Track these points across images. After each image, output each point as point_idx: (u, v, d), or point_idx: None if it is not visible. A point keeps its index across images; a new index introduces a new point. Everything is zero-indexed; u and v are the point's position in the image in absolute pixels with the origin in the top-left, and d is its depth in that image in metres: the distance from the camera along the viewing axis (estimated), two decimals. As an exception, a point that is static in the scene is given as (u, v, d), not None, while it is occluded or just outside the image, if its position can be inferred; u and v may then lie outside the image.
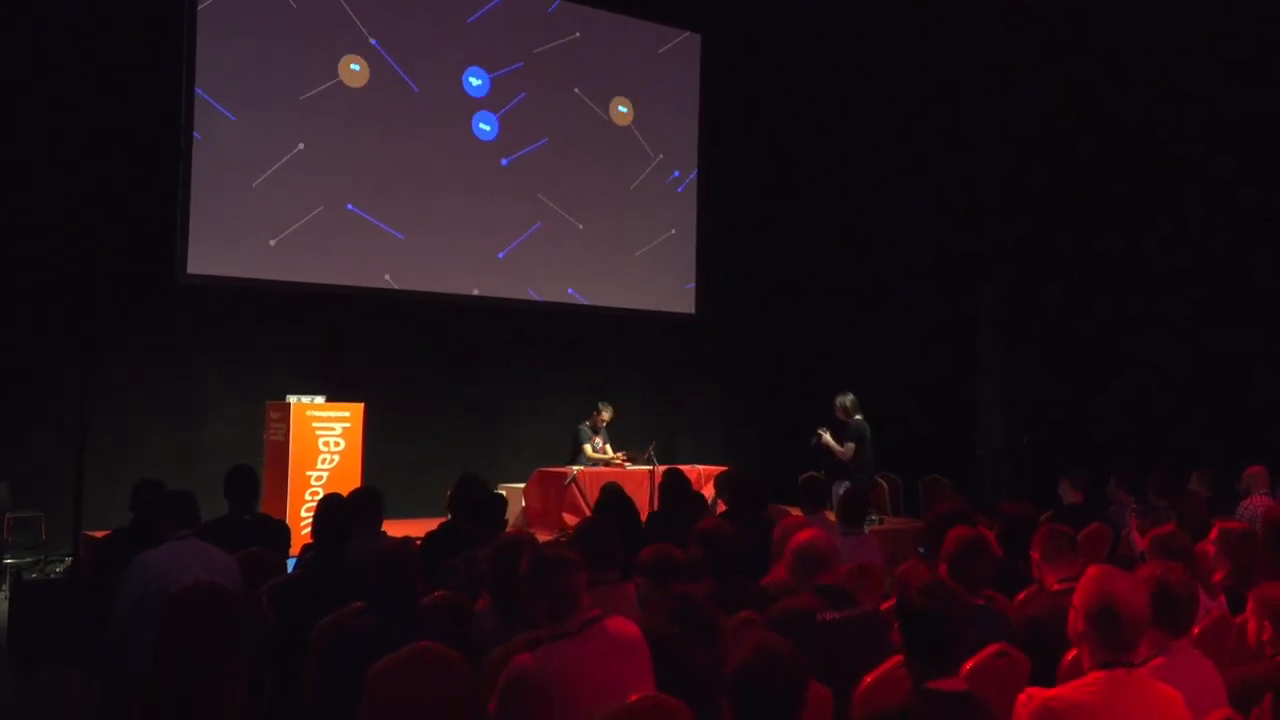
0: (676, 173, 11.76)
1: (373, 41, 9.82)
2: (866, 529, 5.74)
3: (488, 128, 10.49)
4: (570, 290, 10.97)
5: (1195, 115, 10.61)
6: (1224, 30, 9.82)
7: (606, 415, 9.81)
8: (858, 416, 8.81)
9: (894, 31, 11.31)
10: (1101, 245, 11.31)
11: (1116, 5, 10.20)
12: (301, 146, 9.44)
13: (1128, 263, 11.14)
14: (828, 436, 8.72)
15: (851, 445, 8.66)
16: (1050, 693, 2.75)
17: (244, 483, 5.26)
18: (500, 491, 6.58)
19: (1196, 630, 3.36)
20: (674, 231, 11.72)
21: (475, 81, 10.43)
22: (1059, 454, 9.77)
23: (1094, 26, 10.54)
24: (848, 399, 8.90)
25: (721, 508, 6.67)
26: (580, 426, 9.74)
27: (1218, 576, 4.16)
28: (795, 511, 6.25)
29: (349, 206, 9.68)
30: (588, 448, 9.63)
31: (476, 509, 5.14)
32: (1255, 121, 10.25)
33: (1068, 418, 11.21)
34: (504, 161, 10.57)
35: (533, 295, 10.69)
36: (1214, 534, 4.24)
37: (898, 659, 3.04)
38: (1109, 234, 11.26)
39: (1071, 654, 3.17)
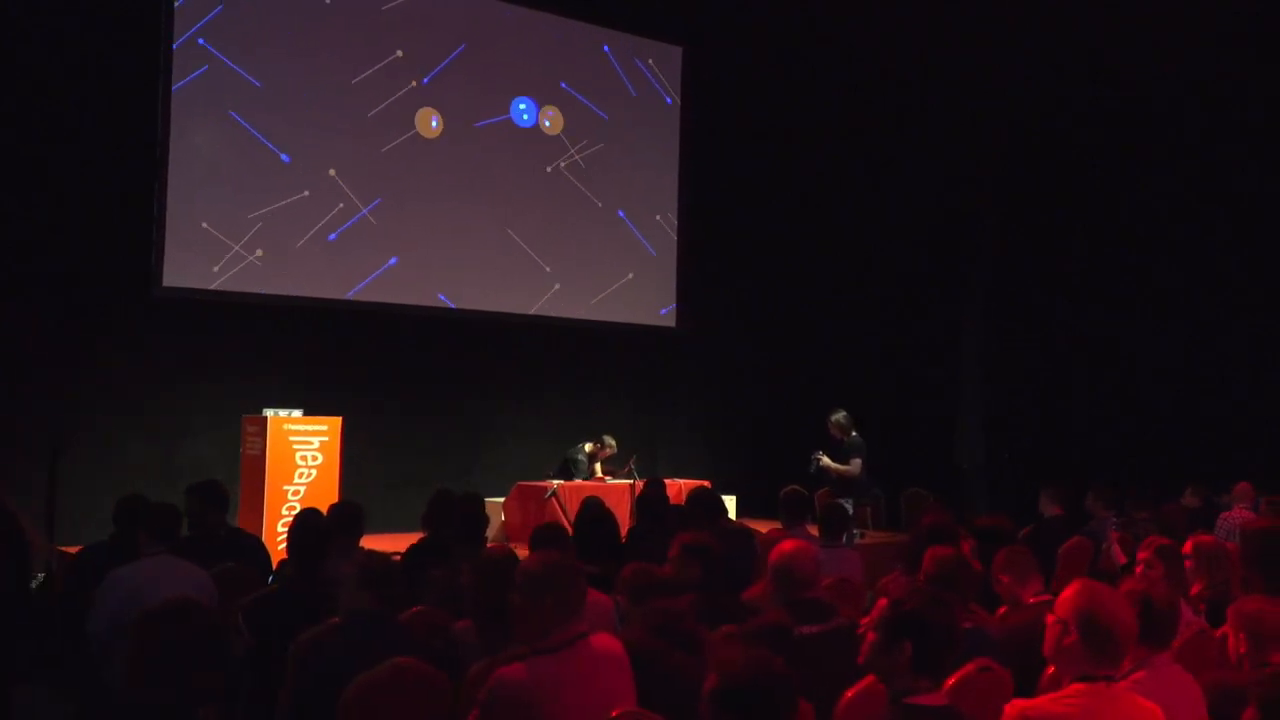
0: (660, 186, 11.76)
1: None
2: (854, 543, 5.72)
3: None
4: (550, 303, 10.92)
5: (1193, 126, 10.63)
6: (1214, 21, 9.82)
7: (612, 446, 9.73)
8: (854, 433, 8.73)
9: (876, 38, 11.32)
10: (1084, 255, 11.40)
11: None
12: (284, 159, 9.37)
13: (1111, 272, 11.21)
14: (826, 459, 8.64)
15: (859, 461, 8.54)
16: (1027, 702, 2.74)
17: (209, 495, 5.16)
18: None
19: (1177, 644, 3.37)
20: (655, 243, 11.71)
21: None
22: (1041, 466, 9.80)
23: (1079, 22, 10.52)
24: (841, 416, 8.73)
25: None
26: (581, 454, 9.64)
27: (1195, 589, 4.19)
28: (763, 526, 6.24)
29: (328, 218, 9.62)
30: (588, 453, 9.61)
31: (457, 523, 5.10)
32: (1255, 120, 10.32)
33: (1049, 429, 11.26)
34: (484, 175, 10.54)
35: (512, 308, 10.63)
36: (1188, 548, 4.27)
37: (877, 675, 3.01)
38: (1099, 243, 11.34)
39: (1051, 669, 3.16)
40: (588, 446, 9.76)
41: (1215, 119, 10.65)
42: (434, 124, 10.21)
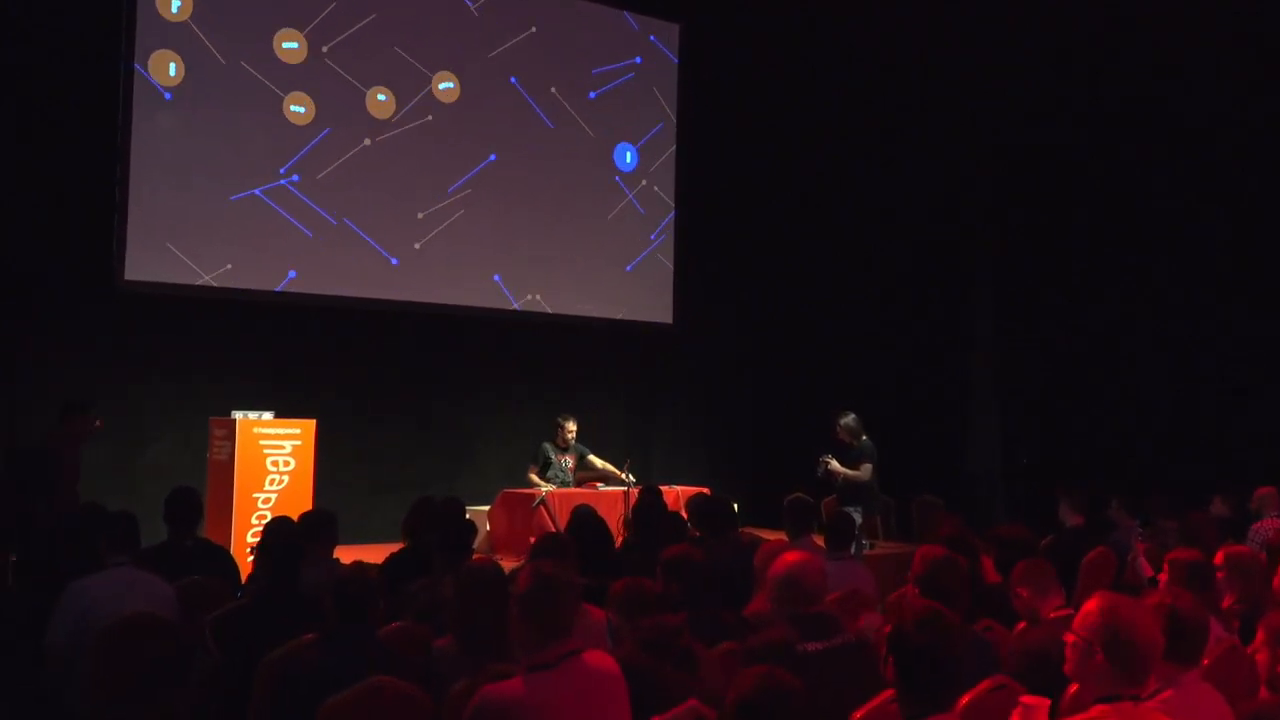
0: (654, 176, 11.59)
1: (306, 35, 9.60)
2: (861, 554, 5.55)
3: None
4: (538, 299, 10.68)
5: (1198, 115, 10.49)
6: (1214, 21, 9.71)
7: (572, 428, 9.16)
8: (864, 437, 8.47)
9: (876, 37, 11.21)
10: (1096, 252, 11.27)
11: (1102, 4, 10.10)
12: (255, 145, 9.11)
13: (1125, 268, 11.09)
14: (834, 463, 8.41)
15: (869, 466, 8.31)
16: None
17: (186, 506, 5.02)
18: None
19: (1207, 661, 3.22)
20: (650, 238, 11.54)
21: (447, 85, 10.22)
22: (1050, 470, 9.63)
23: (1079, 22, 10.36)
24: (850, 419, 8.47)
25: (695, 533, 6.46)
26: (543, 445, 9.29)
27: (1226, 603, 4.03)
28: (769, 535, 6.07)
29: (302, 211, 9.36)
30: (533, 476, 8.96)
31: (442, 532, 4.93)
32: (1255, 120, 10.19)
33: (1066, 433, 11.11)
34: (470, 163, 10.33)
35: (498, 304, 10.38)
36: (1219, 559, 4.12)
37: (888, 693, 2.91)
38: (1104, 241, 11.22)
39: (1074, 688, 3.02)
40: (552, 440, 9.26)
41: (1215, 119, 10.56)
42: (426, 116, 10.02)
